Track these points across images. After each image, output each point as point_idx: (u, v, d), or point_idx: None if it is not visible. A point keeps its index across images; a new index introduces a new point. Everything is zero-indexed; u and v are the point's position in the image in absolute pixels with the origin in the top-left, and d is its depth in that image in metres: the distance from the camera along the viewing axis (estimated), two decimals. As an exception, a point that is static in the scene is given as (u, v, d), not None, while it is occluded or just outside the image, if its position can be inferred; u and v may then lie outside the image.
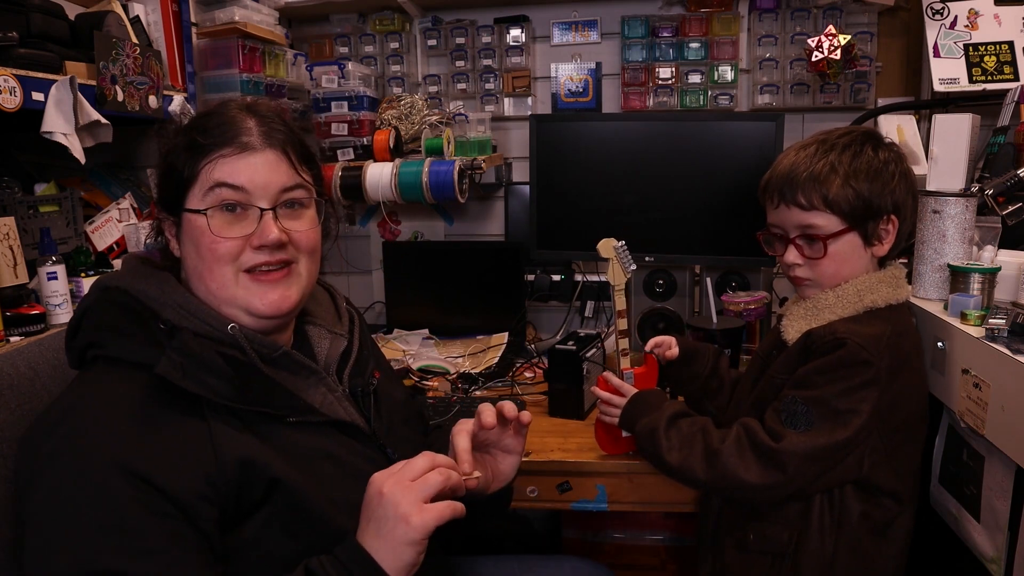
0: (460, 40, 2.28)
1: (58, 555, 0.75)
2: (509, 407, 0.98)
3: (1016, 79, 1.80)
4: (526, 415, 1.00)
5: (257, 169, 0.92)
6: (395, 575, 0.79)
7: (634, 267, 1.36)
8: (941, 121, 1.42)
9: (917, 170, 1.27)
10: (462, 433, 0.96)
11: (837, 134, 1.25)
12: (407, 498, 0.79)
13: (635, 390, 1.35)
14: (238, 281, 0.92)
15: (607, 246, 1.35)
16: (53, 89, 1.36)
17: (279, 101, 2.13)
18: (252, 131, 0.93)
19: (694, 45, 2.16)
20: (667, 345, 1.45)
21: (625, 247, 1.35)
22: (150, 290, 0.92)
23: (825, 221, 1.21)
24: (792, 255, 1.26)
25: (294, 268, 0.96)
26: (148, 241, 1.04)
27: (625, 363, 1.39)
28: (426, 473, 0.82)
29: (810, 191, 1.21)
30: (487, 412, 0.96)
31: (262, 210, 0.92)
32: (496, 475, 1.04)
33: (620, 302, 1.36)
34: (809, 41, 1.94)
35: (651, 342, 1.45)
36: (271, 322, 0.96)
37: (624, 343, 1.38)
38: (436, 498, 0.81)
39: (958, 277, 1.26)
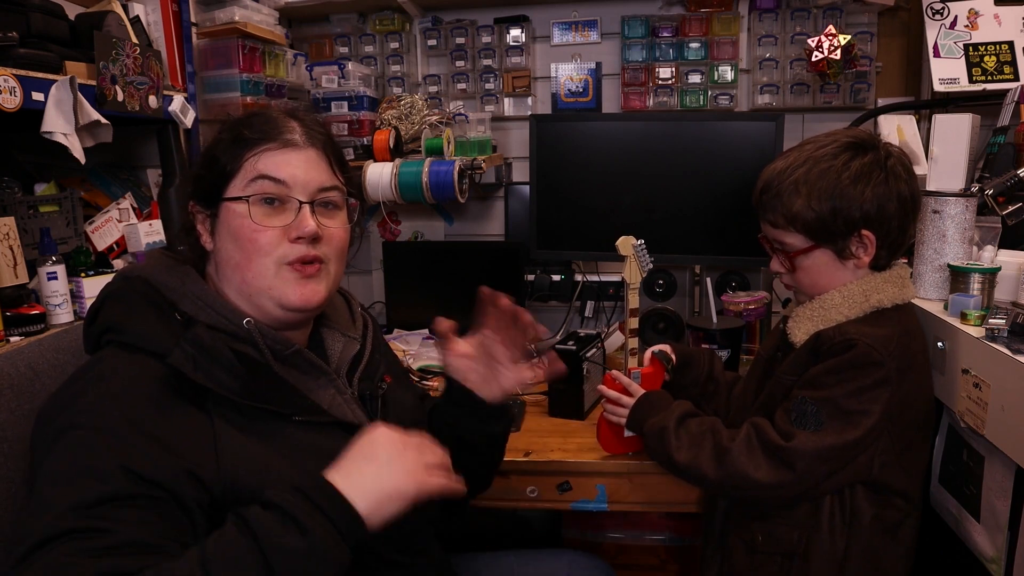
0: (460, 40, 2.28)
1: (52, 504, 0.74)
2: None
3: (1016, 79, 1.80)
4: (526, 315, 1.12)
5: (299, 165, 0.95)
6: (368, 513, 0.79)
7: (651, 266, 1.36)
8: (941, 121, 1.42)
9: (917, 170, 1.26)
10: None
11: (815, 144, 1.22)
12: (420, 457, 0.84)
13: (642, 390, 1.36)
14: (278, 272, 0.94)
15: (626, 244, 1.35)
16: (53, 89, 1.36)
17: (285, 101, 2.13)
18: (295, 130, 0.97)
19: (694, 45, 2.16)
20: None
21: (643, 246, 1.35)
22: (171, 281, 0.94)
23: (792, 239, 1.23)
24: (775, 264, 1.30)
25: (324, 267, 0.98)
26: (150, 241, 1.05)
27: (632, 362, 1.38)
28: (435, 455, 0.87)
29: (776, 210, 1.22)
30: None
31: (300, 203, 0.94)
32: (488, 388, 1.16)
33: (634, 300, 1.37)
34: (809, 41, 1.94)
35: (655, 348, 1.46)
36: (297, 315, 0.97)
37: (633, 342, 1.38)
38: None
39: (958, 277, 1.26)
